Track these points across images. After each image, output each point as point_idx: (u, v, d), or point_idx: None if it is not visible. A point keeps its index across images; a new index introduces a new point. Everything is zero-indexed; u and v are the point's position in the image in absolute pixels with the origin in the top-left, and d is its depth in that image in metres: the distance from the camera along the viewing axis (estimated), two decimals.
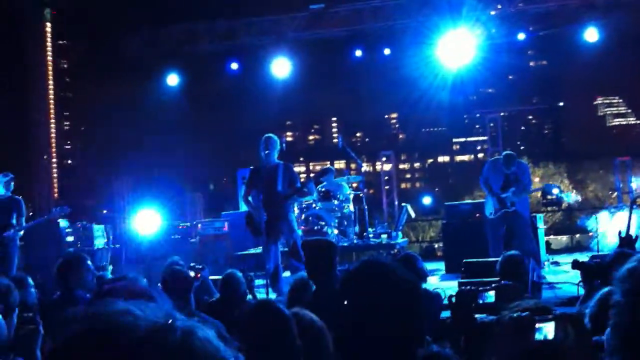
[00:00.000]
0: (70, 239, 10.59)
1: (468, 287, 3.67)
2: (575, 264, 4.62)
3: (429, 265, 9.58)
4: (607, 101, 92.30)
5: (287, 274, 8.29)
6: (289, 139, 76.14)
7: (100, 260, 10.36)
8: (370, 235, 10.53)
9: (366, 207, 10.81)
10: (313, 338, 2.69)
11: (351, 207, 10.34)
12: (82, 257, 4.98)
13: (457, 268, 8.27)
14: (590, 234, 12.13)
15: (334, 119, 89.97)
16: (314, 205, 10.10)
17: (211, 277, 6.32)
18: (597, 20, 12.43)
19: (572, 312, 1.83)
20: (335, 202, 10.18)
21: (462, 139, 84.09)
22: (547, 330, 1.72)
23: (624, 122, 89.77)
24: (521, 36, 13.03)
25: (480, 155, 72.08)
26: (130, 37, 14.08)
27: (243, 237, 9.65)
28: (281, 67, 13.57)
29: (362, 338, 1.90)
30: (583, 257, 6.69)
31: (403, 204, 11.69)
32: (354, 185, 11.09)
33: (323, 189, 10.22)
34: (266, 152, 7.92)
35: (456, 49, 12.33)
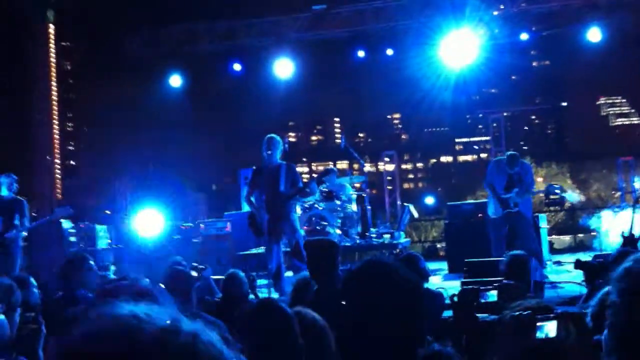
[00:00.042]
0: (72, 239, 10.61)
1: (470, 286, 3.67)
2: (578, 264, 4.63)
3: (432, 265, 9.58)
4: (610, 101, 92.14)
5: (289, 273, 8.30)
6: (291, 139, 76.03)
7: (102, 260, 10.38)
8: (373, 235, 10.53)
9: (369, 207, 10.81)
10: (315, 337, 2.69)
11: (354, 207, 10.34)
12: (85, 257, 4.99)
13: (459, 268, 8.26)
14: (593, 233, 12.11)
15: (337, 119, 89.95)
16: (316, 205, 10.11)
17: (213, 277, 6.33)
18: (600, 20, 12.42)
19: (573, 310, 1.83)
20: (338, 202, 10.19)
21: (465, 139, 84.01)
22: (549, 328, 1.72)
23: (627, 122, 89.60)
24: (524, 36, 13.03)
25: (483, 155, 72.01)
26: (132, 38, 14.11)
27: (245, 237, 9.67)
28: (283, 68, 13.58)
29: (363, 338, 1.90)
30: (586, 257, 6.69)
31: (405, 204, 11.69)
32: (357, 185, 11.09)
33: (325, 189, 10.22)
34: (268, 152, 7.93)
35: (459, 49, 12.33)
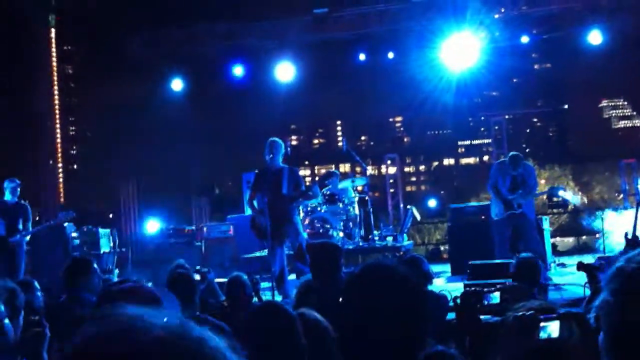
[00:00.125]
0: (76, 243, 10.62)
1: (473, 288, 3.67)
2: (580, 266, 4.63)
3: (435, 268, 9.58)
4: (612, 103, 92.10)
5: (292, 276, 8.31)
6: (293, 142, 76.15)
7: (106, 263, 10.40)
8: (376, 238, 10.53)
9: (371, 209, 10.81)
10: (318, 339, 2.70)
11: (356, 210, 10.34)
12: (88, 261, 5.00)
13: (462, 270, 8.27)
14: (597, 235, 12.10)
15: (339, 122, 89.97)
16: (319, 208, 10.12)
17: (217, 280, 6.33)
18: (601, 22, 12.42)
19: (576, 310, 1.83)
20: (341, 205, 10.19)
21: (467, 142, 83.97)
22: (552, 329, 1.72)
23: (630, 125, 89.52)
24: (525, 39, 13.04)
25: (485, 158, 71.98)
26: (133, 41, 14.13)
27: (248, 240, 9.67)
28: (285, 71, 13.59)
29: (364, 339, 1.91)
30: (589, 259, 6.69)
31: (408, 207, 11.69)
32: (359, 188, 11.09)
33: (328, 192, 10.23)
34: (271, 155, 7.94)
35: (460, 52, 12.34)
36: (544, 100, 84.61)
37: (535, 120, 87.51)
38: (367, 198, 10.93)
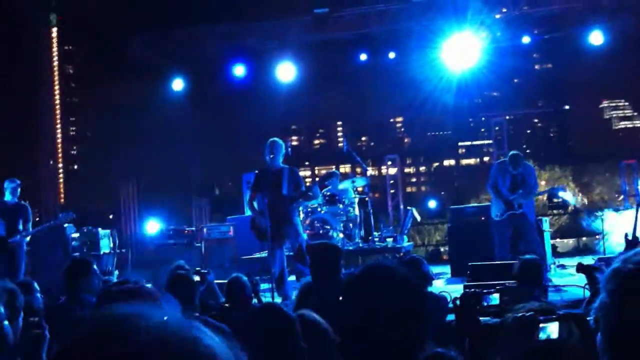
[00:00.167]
0: (76, 244, 10.62)
1: (472, 290, 3.67)
2: (580, 267, 4.63)
3: (435, 269, 9.57)
4: (613, 104, 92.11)
5: (292, 278, 8.30)
6: (294, 143, 76.19)
7: (106, 264, 10.39)
8: (376, 239, 10.52)
9: (371, 210, 10.81)
10: (318, 340, 2.70)
11: (356, 211, 10.34)
12: (88, 262, 5.00)
13: (463, 271, 8.26)
14: (597, 236, 12.10)
15: (339, 123, 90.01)
16: (319, 209, 10.11)
17: (216, 281, 6.33)
18: (602, 22, 12.41)
19: (576, 312, 1.83)
20: (341, 206, 10.19)
21: (468, 143, 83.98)
22: (551, 330, 1.72)
23: (630, 125, 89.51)
24: (526, 39, 13.03)
25: (485, 158, 71.97)
26: (135, 41, 14.13)
27: (249, 241, 9.66)
28: (286, 71, 13.59)
29: (364, 341, 1.90)
30: (589, 260, 6.68)
31: (408, 208, 11.69)
32: (359, 189, 11.08)
33: (328, 193, 10.23)
34: (271, 156, 7.94)
35: (461, 52, 12.33)
36: (544, 100, 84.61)
37: (536, 120, 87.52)
38: (367, 199, 10.93)
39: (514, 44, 13.47)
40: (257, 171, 8.40)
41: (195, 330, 0.88)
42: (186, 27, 14.19)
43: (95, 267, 4.92)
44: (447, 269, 10.30)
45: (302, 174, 8.80)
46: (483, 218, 9.88)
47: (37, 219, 10.49)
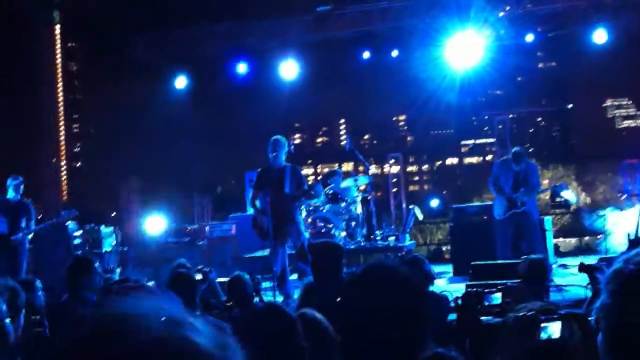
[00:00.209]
0: (78, 241, 10.64)
1: (474, 289, 3.66)
2: (582, 267, 4.62)
3: (437, 268, 9.55)
4: (617, 103, 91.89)
5: (294, 276, 8.30)
6: (296, 141, 76.29)
7: (108, 262, 10.41)
8: (378, 238, 10.52)
9: (374, 209, 10.80)
10: (319, 339, 2.69)
11: (359, 210, 10.33)
12: (90, 260, 5.01)
13: (464, 270, 8.26)
14: (600, 236, 12.08)
15: (342, 121, 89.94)
16: (321, 207, 10.11)
17: (218, 280, 6.33)
18: (606, 21, 12.39)
19: (577, 311, 1.83)
20: (343, 204, 10.19)
21: (471, 141, 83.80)
22: (553, 329, 1.72)
23: (634, 124, 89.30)
24: (529, 37, 13.00)
25: (488, 157, 71.84)
26: (137, 39, 14.14)
27: (251, 239, 9.67)
28: (289, 70, 13.59)
29: (365, 340, 1.90)
30: (591, 260, 6.66)
31: (411, 206, 11.68)
32: (362, 187, 11.08)
33: (330, 192, 10.22)
34: (274, 154, 7.95)
35: (464, 51, 12.32)
36: (548, 99, 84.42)
37: (539, 119, 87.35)
38: (369, 197, 10.92)
39: (518, 42, 13.44)
40: (259, 169, 8.41)
41: (195, 329, 0.87)
42: (187, 27, 14.20)
43: (97, 265, 4.93)
44: (449, 268, 10.29)
45: (304, 172, 8.81)
46: (485, 217, 9.86)
47: (40, 216, 10.50)
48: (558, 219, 14.73)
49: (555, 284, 8.06)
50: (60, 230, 10.17)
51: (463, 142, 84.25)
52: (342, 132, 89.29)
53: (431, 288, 5.39)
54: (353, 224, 10.19)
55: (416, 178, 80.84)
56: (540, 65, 77.87)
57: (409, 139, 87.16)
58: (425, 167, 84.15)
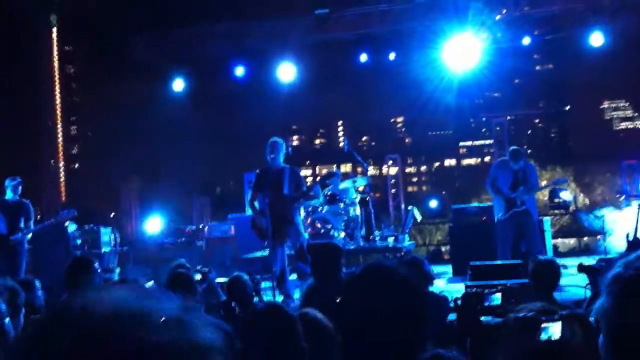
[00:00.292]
0: (77, 242, 10.64)
1: (474, 290, 3.67)
2: (581, 268, 4.63)
3: (436, 269, 9.57)
4: (614, 105, 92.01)
5: (293, 276, 8.31)
6: (295, 142, 76.17)
7: (107, 262, 10.41)
8: (377, 239, 10.53)
9: (372, 210, 10.80)
10: (319, 339, 2.70)
11: (357, 211, 10.34)
12: (89, 260, 5.01)
13: (464, 271, 8.25)
14: (599, 236, 12.10)
15: (340, 122, 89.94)
16: (320, 208, 10.11)
17: (217, 280, 6.34)
18: (603, 23, 12.41)
19: (578, 312, 1.83)
20: (342, 205, 10.19)
21: (469, 143, 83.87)
22: (553, 330, 1.72)
23: (631, 126, 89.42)
24: (527, 40, 13.03)
25: (487, 158, 71.91)
26: (135, 41, 14.14)
27: (250, 239, 9.67)
28: (287, 72, 13.60)
29: (365, 340, 1.91)
30: (590, 261, 6.67)
31: (409, 207, 11.69)
32: (360, 188, 11.09)
33: (329, 193, 10.23)
34: (272, 156, 7.95)
35: (462, 53, 12.34)
36: (545, 101, 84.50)
37: (537, 121, 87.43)
38: (368, 198, 10.93)
39: (515, 44, 13.47)
40: (258, 171, 8.41)
41: (195, 328, 0.88)
42: (186, 27, 14.19)
43: (96, 265, 4.93)
44: (448, 268, 10.30)
45: (303, 173, 8.81)
46: (484, 218, 9.88)
47: (39, 217, 10.49)
48: (557, 220, 14.75)
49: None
50: (60, 230, 10.17)
51: (461, 144, 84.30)
52: (340, 134, 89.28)
53: (430, 288, 5.39)
54: (352, 224, 10.19)
55: (415, 179, 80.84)
56: (538, 67, 77.97)
57: (407, 140, 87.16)
58: (423, 168, 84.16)
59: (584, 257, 10.00)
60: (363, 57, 13.55)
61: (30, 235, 8.87)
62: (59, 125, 15.24)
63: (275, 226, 7.70)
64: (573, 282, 7.79)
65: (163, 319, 0.86)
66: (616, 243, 10.08)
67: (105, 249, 10.66)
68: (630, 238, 7.98)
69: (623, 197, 13.29)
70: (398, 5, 13.18)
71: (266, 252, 8.76)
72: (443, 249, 14.06)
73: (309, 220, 9.93)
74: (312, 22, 13.47)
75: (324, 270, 4.71)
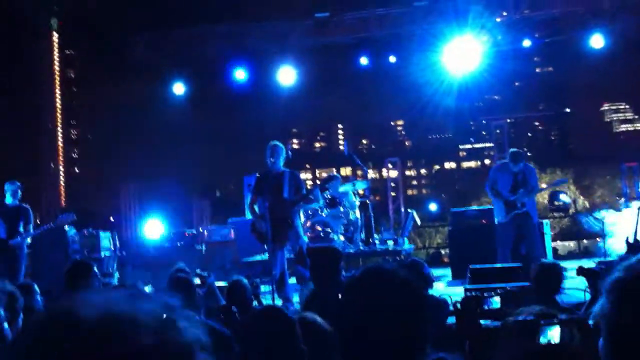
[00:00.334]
0: (76, 246, 10.62)
1: (473, 293, 3.66)
2: (580, 271, 4.63)
3: (436, 272, 9.55)
4: (614, 107, 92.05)
5: (293, 280, 8.30)
6: (295, 146, 76.17)
7: (106, 267, 10.39)
8: (377, 242, 10.52)
9: (372, 213, 10.80)
10: (319, 342, 2.69)
11: (357, 214, 10.34)
12: (89, 264, 5.01)
13: (463, 274, 8.24)
14: (598, 239, 12.10)
15: (340, 125, 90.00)
16: (320, 212, 10.11)
17: (217, 284, 6.33)
18: (603, 26, 12.42)
19: (577, 316, 1.83)
20: (341, 208, 10.19)
21: (469, 146, 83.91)
22: (552, 334, 1.72)
23: (631, 128, 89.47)
24: (527, 43, 13.03)
25: (487, 161, 71.92)
26: (135, 41, 14.13)
27: (249, 243, 9.66)
28: (287, 75, 13.60)
29: (364, 344, 1.90)
30: (589, 263, 6.67)
31: (409, 211, 11.69)
32: (360, 192, 11.09)
33: (329, 196, 10.23)
34: (272, 159, 7.95)
35: (462, 56, 12.34)
36: (545, 103, 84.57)
37: (537, 124, 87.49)
38: (368, 202, 10.93)
39: (515, 47, 13.47)
40: (258, 174, 8.41)
41: (181, 327, 0.88)
42: (186, 27, 14.18)
43: (95, 269, 4.92)
44: (447, 271, 10.29)
45: (303, 176, 8.81)
46: (484, 221, 9.87)
47: (38, 221, 10.48)
48: (557, 222, 14.76)
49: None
50: (59, 234, 10.16)
51: (461, 147, 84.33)
52: (340, 137, 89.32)
53: (430, 291, 5.39)
54: (352, 228, 10.20)
55: (414, 182, 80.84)
56: (538, 70, 78.05)
57: (407, 143, 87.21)
58: (423, 171, 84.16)
59: (584, 259, 10.00)
60: (363, 60, 13.56)
61: (29, 240, 8.87)
62: (59, 129, 15.24)
63: (275, 230, 7.70)
64: (572, 284, 7.79)
65: (153, 320, 0.86)
66: (616, 246, 10.07)
67: (104, 253, 10.65)
68: (630, 241, 7.97)
69: (623, 199, 13.30)
70: (397, 8, 13.19)
71: (266, 256, 8.75)
72: (443, 251, 14.07)
73: (308, 224, 9.93)
74: (312, 24, 13.47)
75: (324, 274, 4.70)
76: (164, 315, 0.88)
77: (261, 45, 13.58)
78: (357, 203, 10.45)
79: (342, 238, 9.98)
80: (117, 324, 0.85)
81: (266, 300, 7.03)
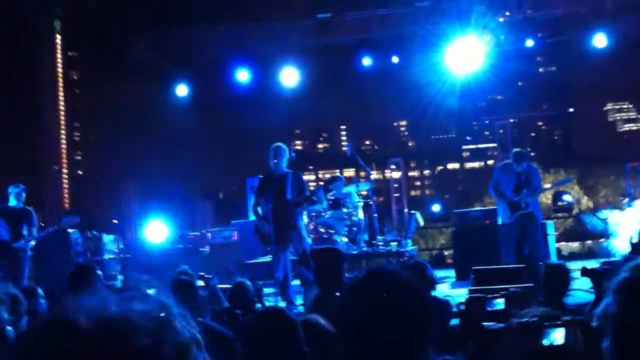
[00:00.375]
0: (80, 248, 10.63)
1: (477, 294, 3.66)
2: (584, 271, 4.62)
3: (439, 273, 9.55)
4: (618, 107, 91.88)
5: (296, 282, 8.29)
6: (298, 147, 76.18)
7: (110, 269, 10.40)
8: (380, 243, 10.51)
9: (375, 214, 10.79)
10: (322, 344, 2.69)
11: (360, 215, 10.33)
12: (92, 267, 5.02)
13: (467, 275, 8.23)
14: (602, 239, 12.07)
15: (343, 127, 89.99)
16: (323, 213, 10.11)
17: (220, 286, 6.32)
18: (606, 25, 12.41)
19: (581, 318, 1.82)
20: (345, 210, 10.18)
21: (472, 146, 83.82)
22: (556, 335, 1.71)
23: (635, 128, 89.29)
24: (530, 43, 13.03)
25: (490, 162, 71.82)
26: (135, 41, 14.13)
27: (253, 245, 9.67)
28: (289, 76, 13.61)
29: (367, 345, 1.90)
30: (593, 264, 6.65)
31: (412, 212, 11.67)
32: (363, 193, 11.08)
33: (332, 197, 10.22)
34: (275, 161, 7.95)
35: (465, 56, 12.34)
36: (549, 103, 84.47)
37: (540, 123, 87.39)
38: (371, 203, 10.92)
39: (518, 47, 13.47)
40: (261, 176, 8.42)
41: (176, 326, 0.89)
42: (186, 27, 14.16)
43: (99, 272, 4.93)
44: (451, 273, 10.27)
45: (306, 178, 8.81)
46: (488, 221, 9.85)
47: (42, 224, 10.48)
48: (561, 223, 14.74)
49: None
50: (62, 237, 10.17)
51: (464, 147, 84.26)
52: (343, 138, 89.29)
53: (433, 293, 5.38)
54: (355, 229, 10.19)
55: (418, 183, 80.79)
56: (541, 70, 77.96)
57: (410, 144, 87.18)
58: (426, 172, 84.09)
59: (588, 260, 9.97)
60: (365, 61, 13.56)
61: (33, 242, 8.88)
62: (62, 131, 15.25)
63: (278, 231, 7.70)
64: (576, 285, 7.76)
65: (149, 320, 0.87)
66: (620, 246, 10.04)
67: (108, 256, 10.66)
68: (634, 241, 7.95)
69: (627, 199, 13.26)
70: (399, 9, 13.19)
71: (269, 258, 8.75)
72: (446, 253, 14.05)
73: (312, 225, 9.93)
74: (314, 25, 13.47)
75: (327, 276, 4.70)
76: (160, 315, 0.88)
77: (262, 46, 13.58)
78: (361, 204, 10.44)
79: (345, 239, 9.97)
80: (114, 325, 0.85)
81: (269, 303, 7.02)
